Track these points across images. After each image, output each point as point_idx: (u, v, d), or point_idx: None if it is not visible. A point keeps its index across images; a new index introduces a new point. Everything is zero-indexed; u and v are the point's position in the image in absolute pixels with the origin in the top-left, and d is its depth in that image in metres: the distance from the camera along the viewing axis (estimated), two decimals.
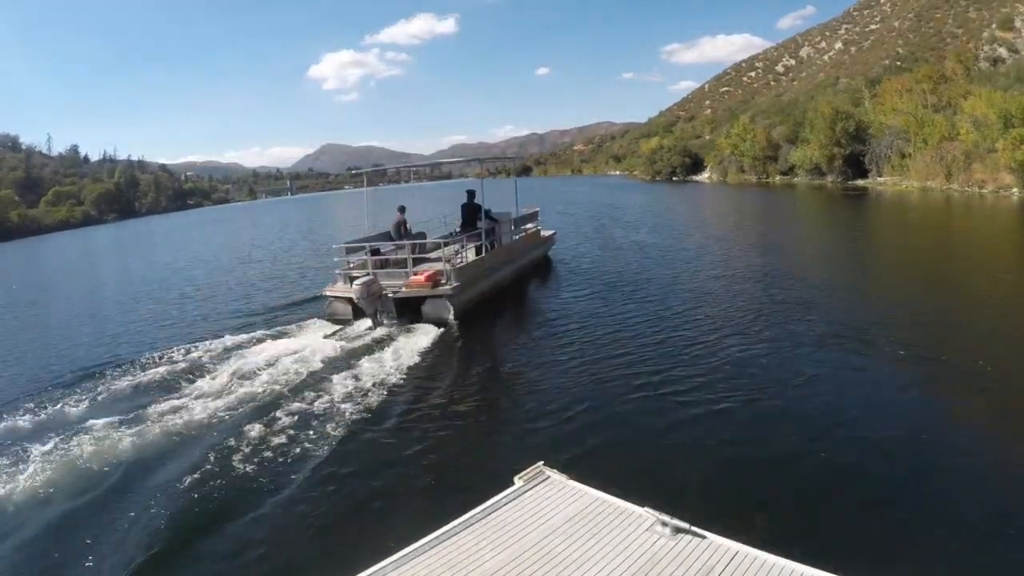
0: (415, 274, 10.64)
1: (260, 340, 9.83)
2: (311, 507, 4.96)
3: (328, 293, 11.11)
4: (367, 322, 10.27)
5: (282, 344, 9.46)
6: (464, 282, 10.64)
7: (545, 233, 16.59)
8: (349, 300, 10.49)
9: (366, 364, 8.28)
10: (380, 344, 9.23)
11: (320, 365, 8.30)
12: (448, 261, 11.14)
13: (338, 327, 10.30)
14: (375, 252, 11.61)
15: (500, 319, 11.34)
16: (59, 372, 9.40)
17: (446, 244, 11.76)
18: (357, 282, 9.96)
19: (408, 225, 12.37)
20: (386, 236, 12.28)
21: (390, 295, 10.25)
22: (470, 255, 11.82)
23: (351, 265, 11.43)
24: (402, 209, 12.36)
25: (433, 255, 11.64)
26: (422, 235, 12.84)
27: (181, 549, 4.55)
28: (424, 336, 9.51)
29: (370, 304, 9.99)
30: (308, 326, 10.56)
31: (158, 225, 66.56)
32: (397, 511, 4.82)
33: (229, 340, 9.88)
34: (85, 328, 13.15)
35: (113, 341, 11.41)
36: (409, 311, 10.37)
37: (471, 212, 12.81)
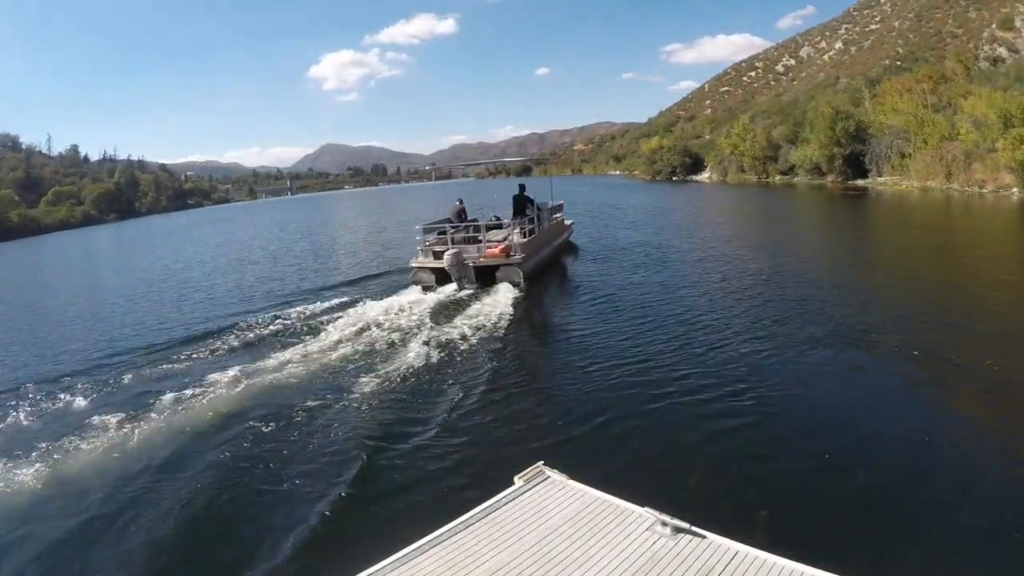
0: (489, 247, 12.87)
1: (373, 298, 12.23)
2: (310, 505, 4.94)
3: (414, 264, 13.34)
4: (451, 287, 12.38)
5: (392, 302, 11.76)
6: (526, 255, 12.96)
7: (567, 222, 19.44)
8: (431, 270, 12.80)
9: (430, 333, 9.58)
10: (467, 302, 11.43)
11: (410, 321, 10.27)
12: (505, 239, 13.29)
13: (424, 293, 12.38)
14: (444, 232, 13.74)
15: (549, 286, 13.74)
16: (202, 327, 11.45)
17: (508, 226, 14.25)
18: (448, 253, 12.25)
19: (467, 213, 14.91)
20: (447, 221, 14.43)
21: (470, 264, 12.52)
22: (516, 237, 13.72)
23: (428, 243, 13.55)
24: (460, 200, 14.96)
25: (482, 236, 13.70)
26: (475, 220, 14.89)
27: (171, 548, 4.56)
28: (505, 294, 11.63)
29: (456, 271, 12.26)
30: (403, 292, 12.67)
31: (159, 225, 66.47)
32: (397, 510, 4.81)
33: (336, 301, 12.29)
34: (209, 297, 15.39)
35: (216, 316, 12.71)
36: (484, 277, 12.63)
37: (521, 202, 14.80)
